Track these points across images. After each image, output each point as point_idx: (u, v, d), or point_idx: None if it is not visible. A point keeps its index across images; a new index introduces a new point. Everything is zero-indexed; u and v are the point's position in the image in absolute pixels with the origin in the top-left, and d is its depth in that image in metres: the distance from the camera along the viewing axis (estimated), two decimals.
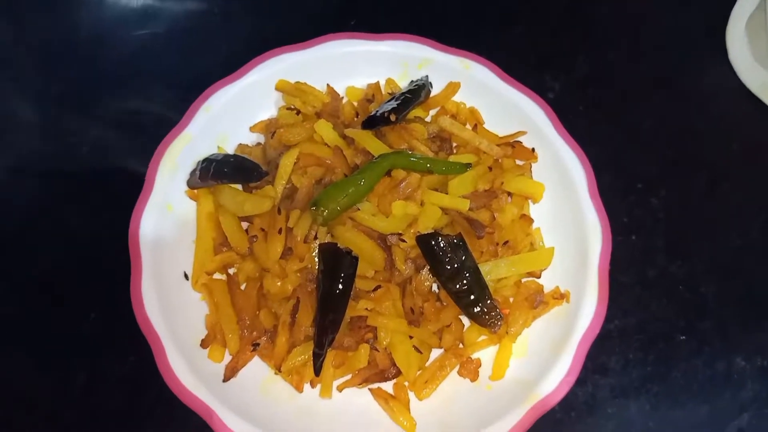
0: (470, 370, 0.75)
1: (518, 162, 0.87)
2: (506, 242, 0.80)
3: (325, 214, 0.74)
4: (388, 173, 0.80)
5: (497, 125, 0.90)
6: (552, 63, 1.00)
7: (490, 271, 0.77)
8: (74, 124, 0.90)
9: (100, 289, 0.78)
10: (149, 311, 0.71)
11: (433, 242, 0.73)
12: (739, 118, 0.97)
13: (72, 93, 0.92)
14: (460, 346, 0.77)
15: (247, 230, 0.79)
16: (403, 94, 0.86)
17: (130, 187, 0.80)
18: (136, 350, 0.72)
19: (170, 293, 0.74)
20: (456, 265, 0.73)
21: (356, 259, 0.72)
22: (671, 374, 0.79)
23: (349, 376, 0.74)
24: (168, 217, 0.79)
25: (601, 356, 0.79)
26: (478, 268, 0.74)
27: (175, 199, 0.80)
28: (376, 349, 0.73)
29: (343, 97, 0.91)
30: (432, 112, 0.92)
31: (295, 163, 0.80)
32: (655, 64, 1.02)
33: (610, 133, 0.94)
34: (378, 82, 0.92)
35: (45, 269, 0.80)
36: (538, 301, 0.77)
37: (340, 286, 0.70)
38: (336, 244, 0.73)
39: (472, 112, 0.91)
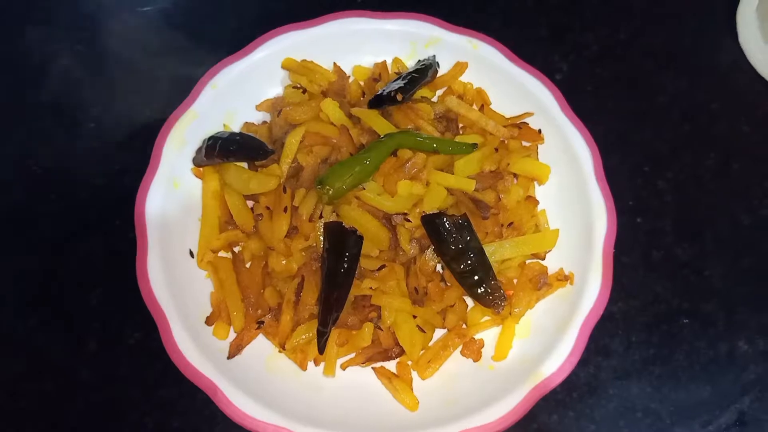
0: (473, 350, 0.75)
1: (524, 143, 0.86)
2: (511, 223, 0.80)
3: (330, 193, 0.74)
4: (394, 153, 0.79)
5: (504, 106, 0.89)
6: (561, 40, 0.99)
7: (495, 252, 0.77)
8: (80, 99, 0.90)
9: (107, 265, 0.78)
10: (155, 288, 0.72)
11: (438, 222, 0.73)
12: (749, 100, 0.96)
13: (78, 68, 0.92)
14: (464, 326, 0.77)
15: (252, 209, 0.79)
16: (410, 73, 0.85)
17: (137, 163, 0.80)
18: (142, 326, 0.73)
19: (176, 270, 0.75)
20: (460, 246, 0.73)
21: (361, 238, 0.72)
22: (674, 356, 0.79)
23: (352, 355, 0.75)
24: (174, 195, 0.79)
25: (603, 337, 0.79)
26: (482, 249, 0.74)
27: (181, 177, 0.80)
28: (380, 328, 0.74)
29: (349, 76, 0.91)
30: (439, 92, 0.91)
31: (300, 141, 0.80)
32: (665, 45, 1.00)
33: (618, 114, 0.93)
34: (385, 61, 0.92)
35: (52, 243, 0.80)
36: (542, 283, 0.77)
37: (345, 265, 0.71)
38: (341, 223, 0.73)
39: (479, 92, 0.90)
